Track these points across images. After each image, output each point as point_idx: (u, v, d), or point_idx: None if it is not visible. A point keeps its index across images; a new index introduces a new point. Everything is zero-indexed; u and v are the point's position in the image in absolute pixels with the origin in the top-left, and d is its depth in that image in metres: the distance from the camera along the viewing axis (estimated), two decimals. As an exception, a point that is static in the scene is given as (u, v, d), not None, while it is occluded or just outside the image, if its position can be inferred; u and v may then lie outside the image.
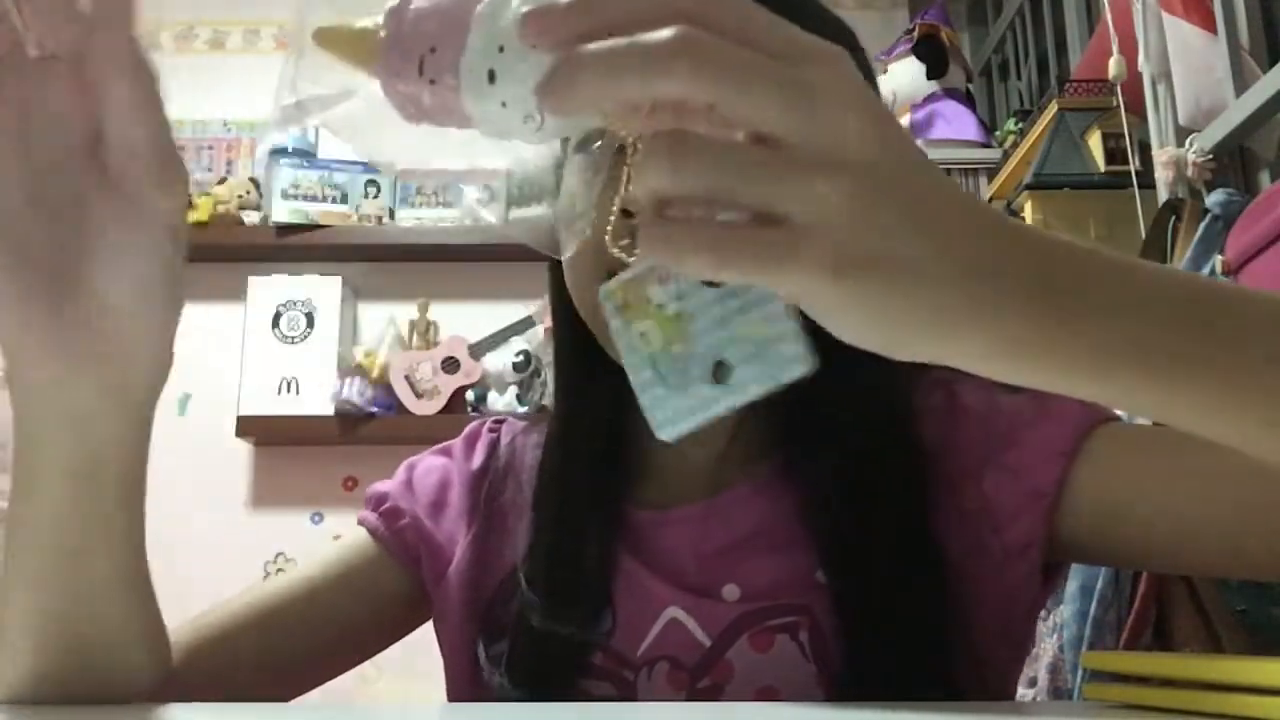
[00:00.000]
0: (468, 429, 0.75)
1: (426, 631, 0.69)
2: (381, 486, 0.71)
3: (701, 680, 0.57)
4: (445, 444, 0.74)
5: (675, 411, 0.35)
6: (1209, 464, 0.50)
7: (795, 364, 0.33)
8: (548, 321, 0.79)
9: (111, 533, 0.44)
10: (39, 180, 0.38)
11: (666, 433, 0.35)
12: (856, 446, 0.58)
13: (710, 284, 0.34)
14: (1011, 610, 0.58)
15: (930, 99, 2.29)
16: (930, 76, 2.29)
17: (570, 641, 0.59)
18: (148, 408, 0.43)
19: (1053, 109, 1.77)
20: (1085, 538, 0.56)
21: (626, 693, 0.58)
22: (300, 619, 0.63)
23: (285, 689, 0.63)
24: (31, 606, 0.44)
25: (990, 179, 2.14)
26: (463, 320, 2.37)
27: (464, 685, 0.64)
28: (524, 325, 2.31)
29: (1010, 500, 0.57)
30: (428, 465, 0.72)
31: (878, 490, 0.57)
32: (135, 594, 0.47)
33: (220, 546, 2.23)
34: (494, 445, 0.72)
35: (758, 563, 0.59)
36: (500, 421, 0.75)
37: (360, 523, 0.69)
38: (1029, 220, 1.77)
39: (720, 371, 0.34)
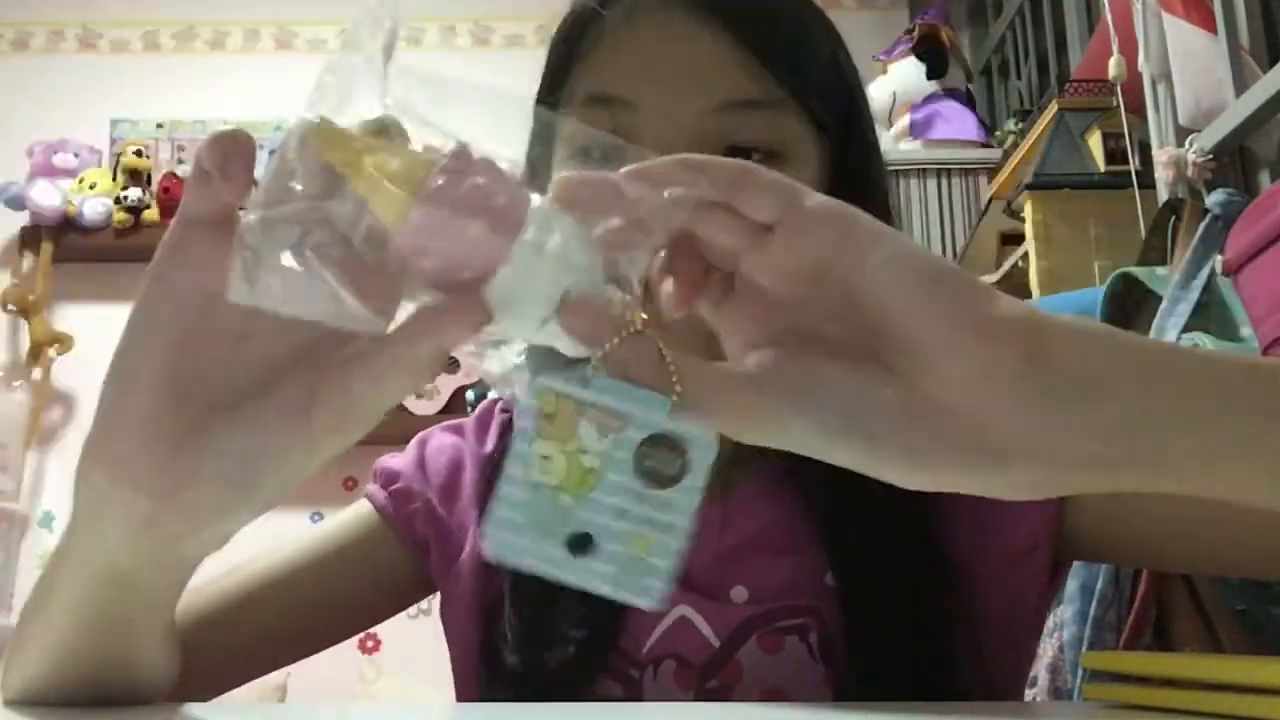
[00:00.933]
0: (479, 409, 0.72)
1: (426, 630, 0.68)
2: (392, 463, 0.69)
3: (710, 681, 0.57)
4: (456, 422, 0.72)
5: (513, 546, 0.32)
6: None
7: (648, 597, 0.32)
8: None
9: (156, 603, 0.43)
10: (259, 354, 0.35)
11: (490, 551, 0.32)
12: None
13: (648, 476, 0.32)
14: (1017, 610, 0.58)
15: (930, 99, 2.29)
16: (930, 76, 2.29)
17: (565, 656, 0.57)
18: None
19: (1053, 109, 1.77)
20: (1089, 536, 0.56)
21: (632, 691, 0.58)
22: (299, 594, 0.63)
23: (282, 661, 0.63)
24: (54, 643, 0.43)
25: (990, 179, 2.14)
26: (463, 320, 2.37)
27: (473, 679, 0.64)
28: (524, 325, 2.31)
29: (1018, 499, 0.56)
30: (439, 444, 0.70)
31: (882, 492, 0.57)
32: (164, 631, 0.45)
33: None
34: (506, 428, 0.69)
35: (766, 564, 0.58)
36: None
37: (368, 498, 0.67)
38: (1029, 220, 1.77)
39: (579, 545, 0.32)
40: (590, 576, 0.32)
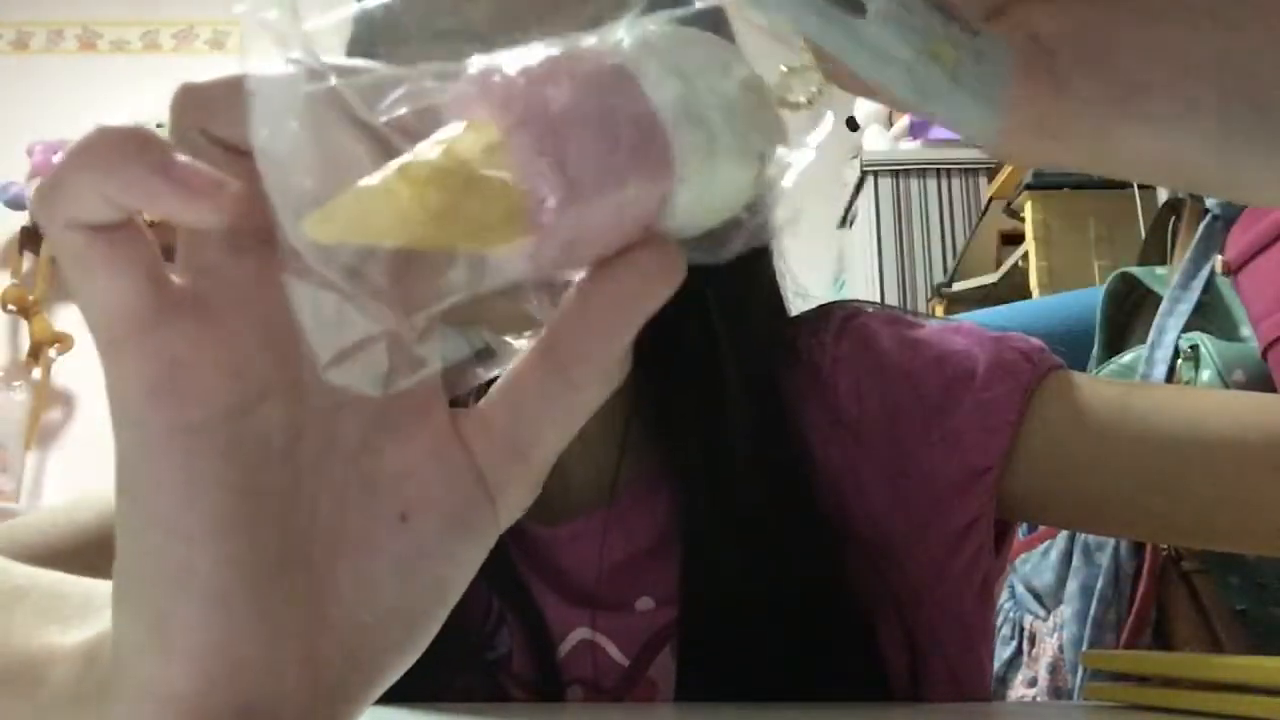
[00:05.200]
0: None
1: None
2: None
3: (624, 701, 0.53)
4: None
5: None
6: (1138, 427, 0.49)
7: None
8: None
9: None
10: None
11: None
12: (736, 437, 0.52)
13: None
14: (963, 589, 0.54)
15: (930, 99, 2.29)
16: (930, 76, 2.29)
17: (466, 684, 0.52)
18: None
19: (1053, 109, 1.77)
20: (1024, 500, 0.53)
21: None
22: None
23: None
24: None
25: (990, 179, 2.15)
26: (463, 320, 2.37)
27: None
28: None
29: (955, 474, 0.52)
30: None
31: (761, 483, 0.52)
32: None
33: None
34: None
35: (670, 567, 0.53)
36: None
37: None
38: (1029, 220, 1.77)
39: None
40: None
